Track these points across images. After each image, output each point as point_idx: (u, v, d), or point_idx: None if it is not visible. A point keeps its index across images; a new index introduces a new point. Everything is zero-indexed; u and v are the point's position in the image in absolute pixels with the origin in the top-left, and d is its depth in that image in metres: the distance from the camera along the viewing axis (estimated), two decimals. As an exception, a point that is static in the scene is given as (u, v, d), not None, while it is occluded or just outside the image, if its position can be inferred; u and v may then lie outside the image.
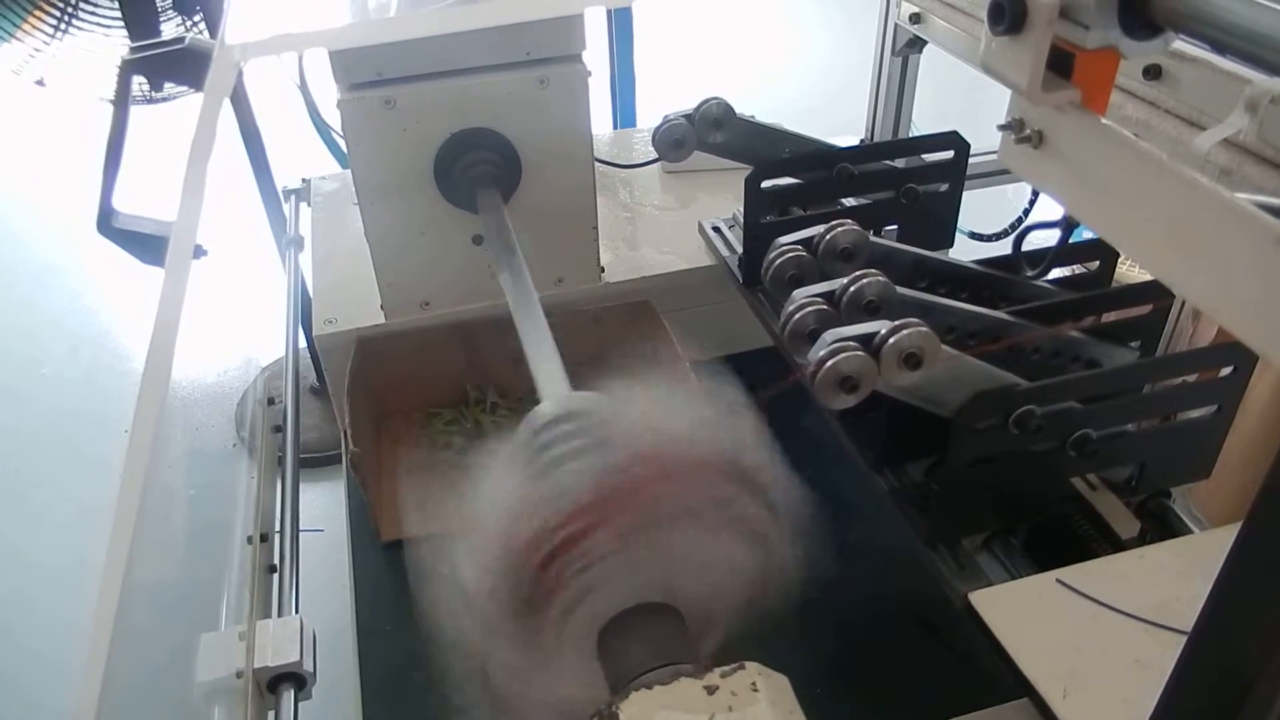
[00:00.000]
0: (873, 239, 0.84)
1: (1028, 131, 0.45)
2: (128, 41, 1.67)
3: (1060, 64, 0.42)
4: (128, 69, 0.57)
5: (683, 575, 0.60)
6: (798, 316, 0.71)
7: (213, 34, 1.52)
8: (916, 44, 1.33)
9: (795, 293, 0.73)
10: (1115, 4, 0.39)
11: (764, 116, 1.19)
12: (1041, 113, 0.44)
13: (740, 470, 0.59)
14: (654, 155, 1.17)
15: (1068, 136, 0.43)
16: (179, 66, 0.58)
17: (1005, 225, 1.57)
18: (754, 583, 0.62)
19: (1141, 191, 0.38)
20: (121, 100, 0.60)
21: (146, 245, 0.64)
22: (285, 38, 0.36)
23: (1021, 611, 0.68)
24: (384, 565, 1.08)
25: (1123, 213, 0.39)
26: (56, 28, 1.83)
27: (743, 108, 1.16)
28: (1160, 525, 0.79)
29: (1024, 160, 0.45)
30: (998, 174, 1.43)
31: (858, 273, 0.72)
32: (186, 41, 0.59)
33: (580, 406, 0.64)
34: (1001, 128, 0.46)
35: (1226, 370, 0.73)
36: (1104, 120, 0.41)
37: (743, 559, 0.60)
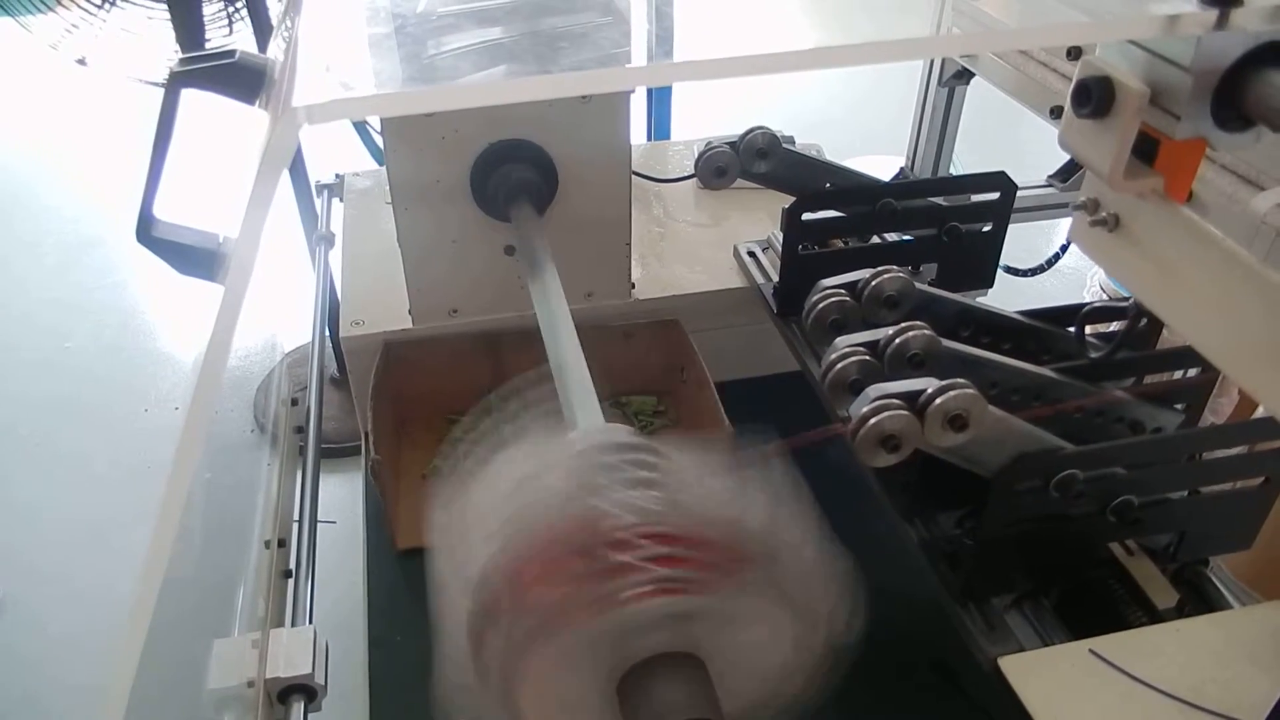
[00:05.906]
0: (917, 286, 0.82)
1: (1103, 214, 0.43)
2: (167, 18, 1.67)
3: (1144, 149, 0.40)
4: (176, 81, 0.56)
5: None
6: (840, 366, 0.69)
7: (259, 43, 1.51)
8: (964, 76, 1.31)
9: (838, 340, 0.71)
10: (1210, 97, 0.37)
11: (784, 126, 1.17)
12: (1120, 195, 0.42)
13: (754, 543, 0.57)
14: (688, 170, 1.15)
15: (1147, 224, 0.41)
16: (227, 79, 0.57)
17: (1041, 261, 1.55)
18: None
19: (1228, 294, 0.36)
20: (168, 111, 0.59)
21: (185, 255, 0.63)
22: (350, 102, 0.35)
23: (1052, 680, 0.66)
24: (398, 573, 1.07)
25: (1205, 314, 0.37)
26: (102, 4, 1.83)
27: (769, 120, 1.14)
28: (1196, 594, 0.77)
29: (1097, 243, 0.43)
30: (1037, 209, 1.41)
31: (903, 324, 0.70)
32: (236, 56, 0.59)
33: (628, 440, 0.62)
34: (1075, 207, 0.44)
35: (1276, 443, 0.72)
36: (1187, 211, 0.40)
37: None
